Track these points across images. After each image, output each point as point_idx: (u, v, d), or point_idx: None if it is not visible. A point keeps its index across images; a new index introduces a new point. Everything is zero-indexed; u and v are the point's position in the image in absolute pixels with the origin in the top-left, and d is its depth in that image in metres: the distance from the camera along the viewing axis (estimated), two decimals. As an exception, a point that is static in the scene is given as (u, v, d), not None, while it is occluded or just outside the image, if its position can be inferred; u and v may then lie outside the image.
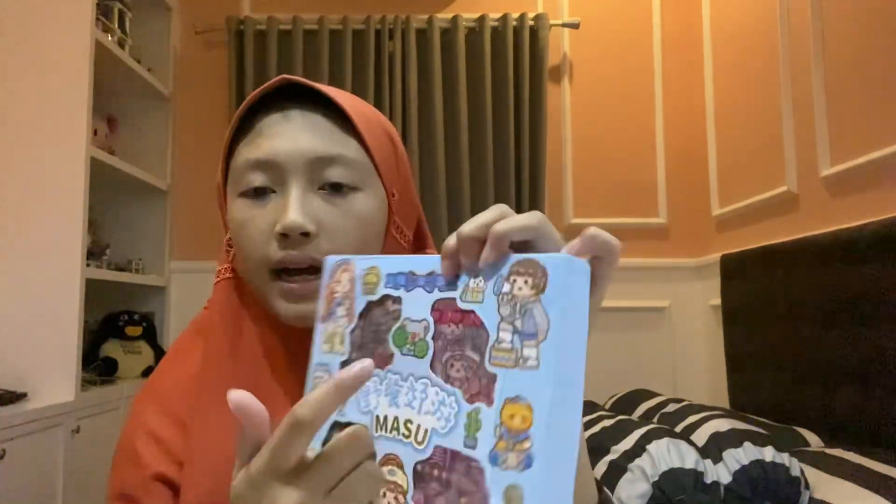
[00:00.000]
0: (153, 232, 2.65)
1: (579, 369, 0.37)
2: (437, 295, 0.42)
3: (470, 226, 0.41)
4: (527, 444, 0.35)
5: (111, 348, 2.43)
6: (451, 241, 0.41)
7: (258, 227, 0.55)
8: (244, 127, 0.59)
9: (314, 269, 0.54)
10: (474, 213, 2.64)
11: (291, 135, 0.56)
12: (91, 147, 2.00)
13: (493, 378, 0.37)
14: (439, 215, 2.60)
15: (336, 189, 0.56)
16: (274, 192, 0.56)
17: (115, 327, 2.45)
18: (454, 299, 0.41)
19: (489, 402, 0.37)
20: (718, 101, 2.54)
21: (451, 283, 0.41)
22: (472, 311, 0.39)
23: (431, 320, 0.41)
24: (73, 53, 1.97)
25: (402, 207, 0.62)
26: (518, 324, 0.37)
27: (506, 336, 0.37)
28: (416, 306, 0.42)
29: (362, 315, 0.45)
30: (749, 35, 2.30)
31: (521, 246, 0.41)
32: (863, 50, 1.71)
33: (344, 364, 0.45)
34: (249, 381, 0.59)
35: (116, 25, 2.33)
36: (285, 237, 0.54)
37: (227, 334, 0.60)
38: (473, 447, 0.37)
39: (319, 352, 0.47)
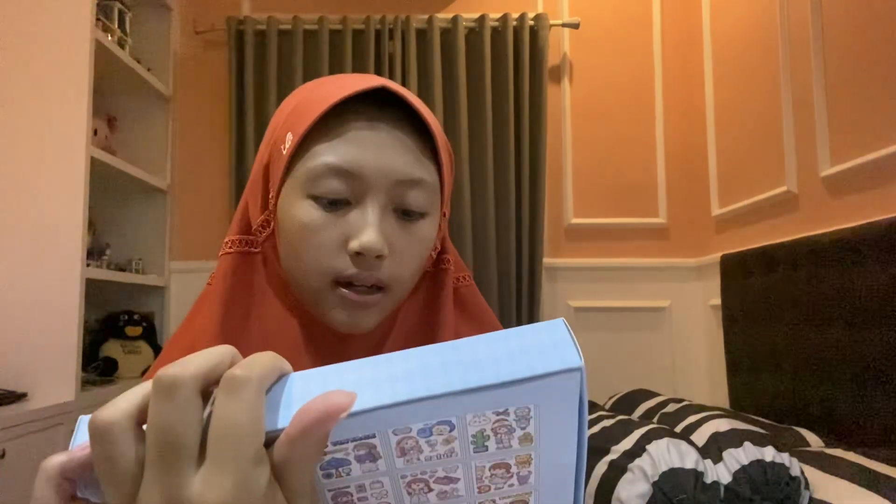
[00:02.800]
0: (153, 232, 2.65)
1: None
2: None
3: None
4: None
5: (111, 348, 2.43)
6: None
7: (330, 237, 0.54)
8: (320, 120, 0.55)
9: (376, 288, 0.55)
10: (474, 213, 2.66)
11: (379, 149, 0.54)
12: (91, 147, 2.00)
13: None
14: (439, 215, 2.60)
15: (409, 214, 0.56)
16: (349, 202, 0.54)
17: (115, 327, 2.45)
18: None
19: None
20: (718, 102, 2.54)
21: None
22: None
23: None
24: (73, 53, 1.97)
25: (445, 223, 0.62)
26: None
27: None
28: None
29: None
30: (749, 35, 2.30)
31: None
32: (863, 50, 1.70)
33: None
34: None
35: (116, 25, 2.33)
36: (359, 255, 0.53)
37: (233, 312, 0.58)
38: None
39: None
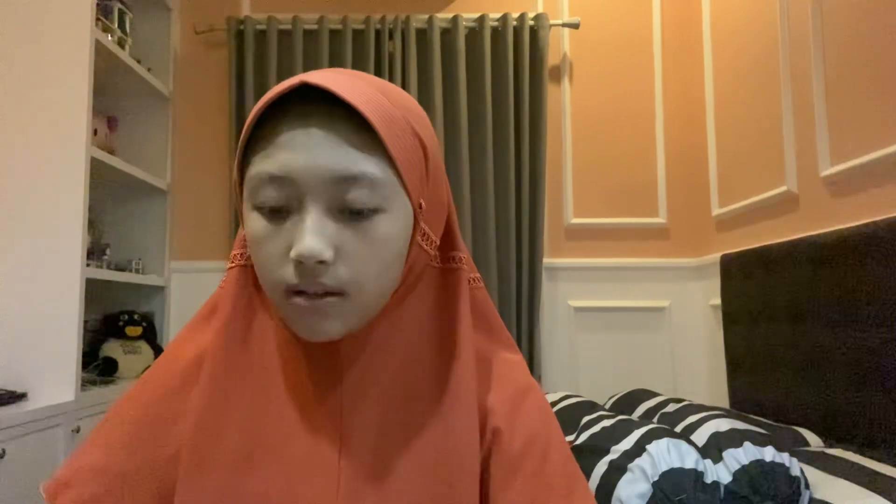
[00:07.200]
0: (153, 232, 2.65)
1: None
2: None
3: None
4: None
5: (111, 348, 2.43)
6: None
7: (274, 248, 0.52)
8: (261, 126, 0.54)
9: (331, 294, 0.52)
10: (475, 213, 2.65)
11: (310, 149, 0.51)
12: (91, 147, 2.01)
13: None
14: (439, 215, 2.60)
15: (359, 213, 0.52)
16: (291, 209, 0.52)
17: (115, 327, 2.45)
18: None
19: None
20: (718, 101, 2.54)
21: None
22: None
23: None
24: (73, 53, 1.97)
25: (429, 214, 0.57)
26: None
27: None
28: None
29: None
30: (749, 35, 2.30)
31: None
32: (863, 50, 1.71)
33: None
34: (259, 381, 0.58)
35: (116, 25, 2.33)
36: (301, 263, 0.51)
37: (235, 329, 0.59)
38: None
39: None
